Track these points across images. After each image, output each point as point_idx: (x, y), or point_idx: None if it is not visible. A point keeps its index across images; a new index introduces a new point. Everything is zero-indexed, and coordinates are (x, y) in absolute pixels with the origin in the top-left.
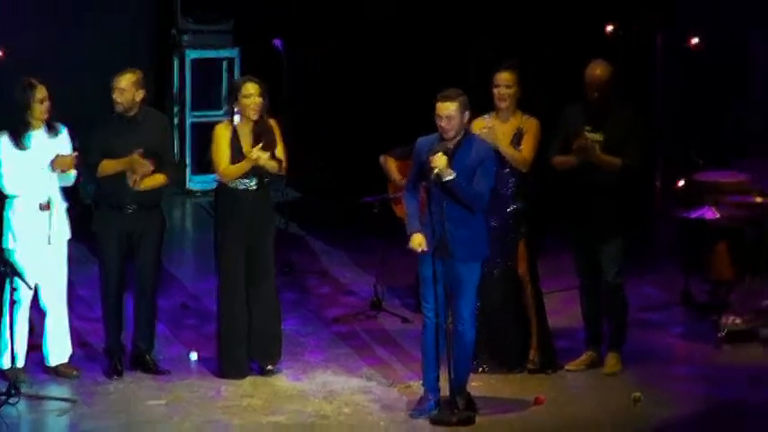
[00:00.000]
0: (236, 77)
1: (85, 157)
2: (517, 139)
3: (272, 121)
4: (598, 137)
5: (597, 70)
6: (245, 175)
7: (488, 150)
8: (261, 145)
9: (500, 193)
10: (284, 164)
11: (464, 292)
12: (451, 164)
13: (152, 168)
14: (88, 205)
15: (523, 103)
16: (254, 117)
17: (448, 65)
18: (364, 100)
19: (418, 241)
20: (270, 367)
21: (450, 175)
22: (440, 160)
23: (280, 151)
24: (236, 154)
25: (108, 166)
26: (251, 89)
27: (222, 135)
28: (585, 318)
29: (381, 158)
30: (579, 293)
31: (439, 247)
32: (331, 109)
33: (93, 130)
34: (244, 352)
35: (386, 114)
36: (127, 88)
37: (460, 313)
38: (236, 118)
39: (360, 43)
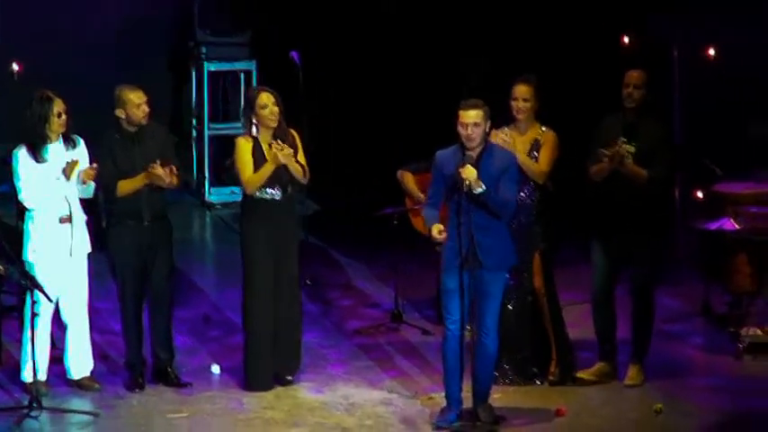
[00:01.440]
0: None
1: (99, 177)
2: (534, 151)
3: (292, 131)
4: (631, 148)
5: (636, 72)
6: (270, 185)
7: (511, 158)
8: (280, 145)
9: (517, 205)
10: (307, 172)
11: (489, 303)
12: (477, 174)
13: (170, 177)
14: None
15: (542, 115)
16: (273, 125)
17: (464, 78)
18: (381, 112)
19: (438, 229)
20: (289, 378)
21: (480, 188)
22: (471, 172)
23: (302, 158)
24: (259, 163)
25: (126, 186)
26: (266, 99)
27: (244, 146)
28: (597, 332)
29: (398, 173)
30: (592, 308)
31: (468, 258)
32: (347, 121)
33: (101, 149)
34: (270, 364)
35: (403, 127)
36: (145, 102)
37: (486, 324)
38: (254, 129)
39: (377, 56)
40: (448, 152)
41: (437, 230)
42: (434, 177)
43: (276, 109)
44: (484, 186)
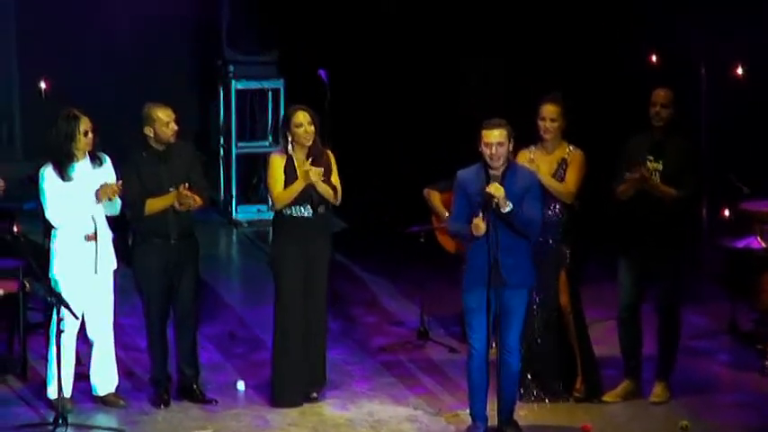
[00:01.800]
0: (281, 108)
1: (126, 195)
2: (562, 170)
3: (329, 152)
4: (658, 166)
5: (663, 91)
6: (300, 202)
7: (533, 177)
8: (311, 162)
9: (542, 222)
10: (339, 192)
11: (513, 321)
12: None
13: (199, 200)
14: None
15: (569, 134)
16: (308, 143)
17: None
18: (408, 131)
19: (482, 226)
20: (314, 395)
21: (508, 207)
22: (499, 190)
23: (335, 179)
24: (291, 179)
25: (154, 205)
26: (301, 118)
27: (276, 163)
28: (623, 349)
29: (425, 192)
30: (617, 325)
31: (492, 277)
32: (375, 139)
33: (127, 167)
34: (298, 381)
35: (429, 145)
36: (174, 120)
37: (508, 343)
38: (290, 147)
39: (404, 75)
40: (470, 171)
41: (481, 227)
42: (457, 196)
43: (312, 128)
44: (511, 205)
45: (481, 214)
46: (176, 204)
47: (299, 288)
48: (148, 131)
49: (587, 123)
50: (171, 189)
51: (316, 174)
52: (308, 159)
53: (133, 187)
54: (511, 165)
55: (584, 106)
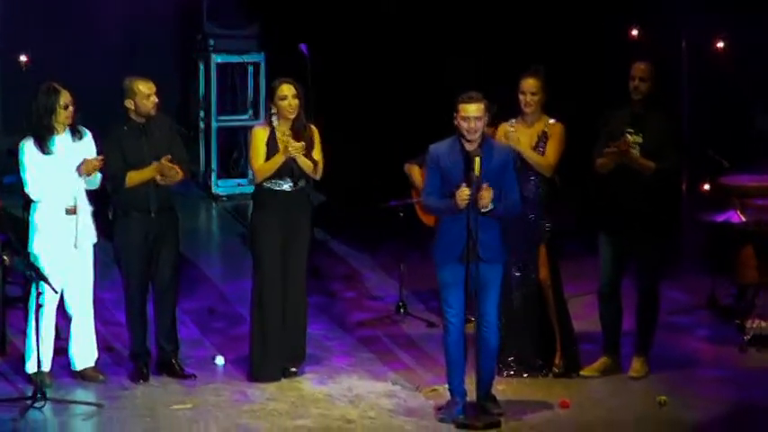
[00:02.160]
0: (261, 82)
1: (107, 168)
2: (542, 143)
3: (312, 127)
4: (638, 139)
5: (642, 64)
6: (280, 176)
7: (509, 152)
8: (294, 136)
9: (522, 198)
10: (320, 167)
11: (489, 296)
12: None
13: (181, 173)
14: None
15: (549, 107)
16: (291, 116)
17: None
18: (389, 105)
19: (465, 192)
20: (293, 369)
21: (489, 208)
22: (487, 198)
23: (317, 154)
24: (272, 152)
25: (135, 177)
26: (286, 91)
27: (259, 135)
28: (603, 325)
29: (406, 166)
30: (598, 300)
31: (467, 252)
32: (356, 113)
33: (109, 140)
34: (277, 355)
35: (410, 119)
36: (155, 93)
37: (486, 317)
38: (274, 119)
39: (385, 49)
40: (444, 145)
41: (465, 194)
42: (431, 170)
43: (296, 102)
44: (492, 206)
45: (463, 187)
46: (158, 177)
47: (278, 261)
48: (129, 104)
49: (569, 98)
50: (152, 162)
51: (296, 148)
52: (292, 132)
53: (114, 160)
54: (486, 139)
55: (566, 80)
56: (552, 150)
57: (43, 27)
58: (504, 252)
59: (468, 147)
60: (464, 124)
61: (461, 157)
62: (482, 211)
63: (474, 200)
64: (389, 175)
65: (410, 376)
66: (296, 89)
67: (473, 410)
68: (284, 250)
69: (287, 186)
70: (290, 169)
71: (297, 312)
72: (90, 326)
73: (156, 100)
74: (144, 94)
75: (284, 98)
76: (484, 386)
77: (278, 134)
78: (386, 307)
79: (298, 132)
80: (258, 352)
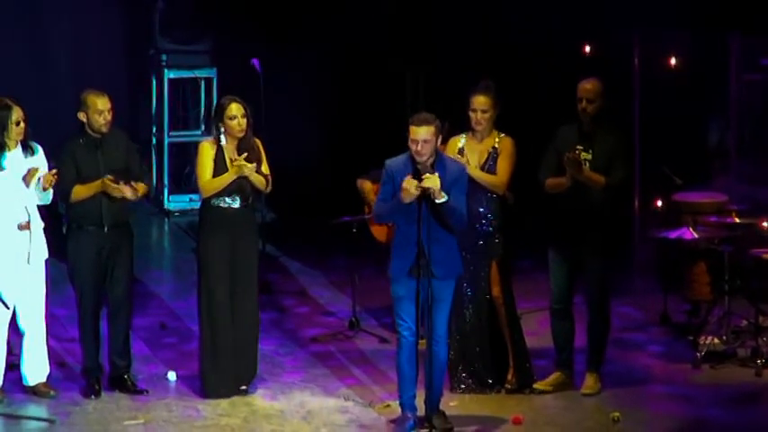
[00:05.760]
0: (213, 97)
1: (59, 180)
2: (492, 160)
3: (257, 141)
4: (588, 156)
5: (588, 84)
6: (229, 194)
7: (461, 170)
8: (245, 155)
9: (474, 214)
10: (270, 181)
11: (440, 311)
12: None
13: (125, 191)
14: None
15: (500, 123)
16: (239, 136)
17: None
18: (341, 120)
19: (411, 189)
20: (243, 387)
21: (443, 198)
22: (435, 182)
23: (265, 169)
24: (220, 170)
25: (80, 192)
26: (235, 111)
27: (206, 151)
28: (555, 341)
29: (358, 182)
30: (550, 317)
31: (419, 267)
32: (308, 129)
33: (62, 154)
34: (228, 371)
35: (363, 134)
36: (108, 110)
37: (437, 332)
38: (222, 138)
39: (338, 63)
40: (398, 161)
41: (413, 184)
42: (384, 184)
43: (244, 121)
44: (446, 197)
45: (409, 176)
46: (106, 191)
47: (225, 278)
48: (82, 117)
49: (522, 115)
50: (107, 177)
51: (249, 169)
52: (238, 151)
53: (66, 173)
54: (439, 156)
55: (518, 97)
56: (503, 167)
57: None
58: (458, 267)
59: (420, 166)
60: (413, 146)
61: (414, 175)
62: (437, 201)
63: (426, 214)
64: (342, 191)
65: (363, 392)
66: (245, 109)
67: (422, 426)
68: (233, 267)
69: (235, 204)
70: (240, 187)
71: (248, 329)
72: (42, 341)
73: (109, 118)
74: (97, 109)
75: (233, 118)
76: (433, 401)
77: (226, 152)
78: (338, 323)
79: (245, 149)
80: (209, 368)
